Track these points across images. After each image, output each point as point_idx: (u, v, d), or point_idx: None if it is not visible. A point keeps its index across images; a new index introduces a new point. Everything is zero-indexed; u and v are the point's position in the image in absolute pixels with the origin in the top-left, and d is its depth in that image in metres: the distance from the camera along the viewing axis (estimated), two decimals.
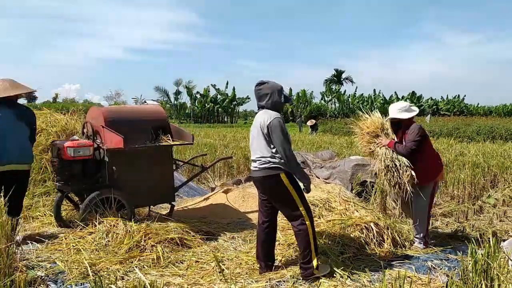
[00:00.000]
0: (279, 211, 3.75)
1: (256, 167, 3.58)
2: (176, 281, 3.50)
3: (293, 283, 3.41)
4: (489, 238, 3.02)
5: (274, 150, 3.51)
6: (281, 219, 5.14)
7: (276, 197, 3.61)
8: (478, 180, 6.89)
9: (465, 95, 58.74)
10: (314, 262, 3.47)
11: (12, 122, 4.37)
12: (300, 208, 3.54)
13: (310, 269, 3.46)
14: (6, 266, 3.13)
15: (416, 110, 4.51)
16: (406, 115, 4.40)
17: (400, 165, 4.22)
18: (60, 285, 3.36)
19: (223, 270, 3.69)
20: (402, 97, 55.84)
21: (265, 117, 3.55)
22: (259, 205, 3.82)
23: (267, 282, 3.42)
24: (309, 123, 25.86)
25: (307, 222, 3.53)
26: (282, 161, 3.49)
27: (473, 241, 3.75)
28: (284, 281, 3.44)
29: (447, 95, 57.91)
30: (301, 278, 3.49)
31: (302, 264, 3.52)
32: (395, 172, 4.21)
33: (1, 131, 4.30)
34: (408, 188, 4.17)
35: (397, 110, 4.43)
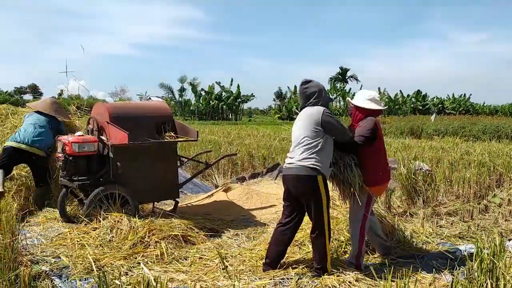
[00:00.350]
0: (302, 223, 3.70)
1: (293, 163, 3.47)
2: (179, 277, 3.50)
3: (297, 280, 3.40)
4: (495, 238, 3.00)
5: (317, 149, 3.39)
6: None
7: (307, 198, 3.48)
8: (483, 179, 6.84)
9: (471, 94, 58.68)
10: (329, 269, 3.48)
11: (38, 124, 5.70)
12: (324, 217, 3.48)
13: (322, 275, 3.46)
14: (11, 261, 3.14)
15: (378, 107, 3.76)
16: (363, 104, 3.72)
17: (347, 164, 3.64)
18: (65, 280, 3.37)
19: (227, 266, 3.68)
20: (408, 96, 55.69)
21: (313, 112, 3.46)
22: (283, 206, 3.71)
23: (270, 279, 3.41)
24: None
25: (326, 233, 3.49)
26: (321, 165, 3.40)
27: (479, 240, 3.73)
28: (288, 279, 3.43)
29: (453, 94, 57.63)
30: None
31: (316, 269, 3.51)
32: (343, 172, 3.64)
33: (31, 125, 5.67)
34: (356, 190, 3.61)
35: (361, 98, 3.77)
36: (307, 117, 3.49)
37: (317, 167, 3.39)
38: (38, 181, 5.64)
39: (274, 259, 3.64)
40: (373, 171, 3.65)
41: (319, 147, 3.41)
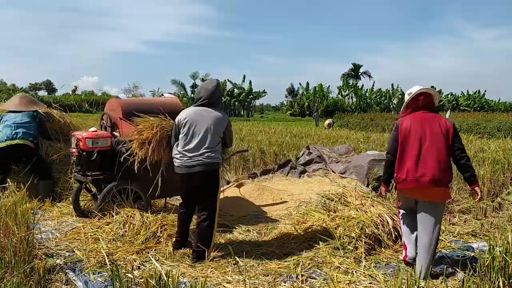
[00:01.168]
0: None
1: (204, 160, 3.75)
2: (191, 272, 3.53)
3: (306, 277, 3.41)
4: (508, 235, 2.98)
5: (217, 143, 3.84)
6: (296, 213, 5.14)
7: (208, 187, 3.84)
8: (497, 176, 6.76)
9: (485, 91, 57.80)
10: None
11: (14, 121, 5.85)
12: (216, 202, 3.89)
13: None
14: (26, 254, 3.21)
15: (409, 94, 3.69)
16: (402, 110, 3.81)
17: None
18: (78, 273, 3.42)
19: (238, 262, 3.71)
20: None
21: (218, 114, 3.86)
22: (187, 198, 4.03)
23: (280, 275, 3.43)
24: (326, 124, 25.63)
25: (215, 217, 3.87)
26: (220, 155, 3.91)
27: (491, 238, 3.69)
28: (297, 275, 3.44)
29: (467, 90, 56.87)
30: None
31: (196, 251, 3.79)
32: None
33: (7, 126, 5.81)
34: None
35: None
36: (218, 117, 3.86)
37: (217, 159, 3.85)
38: (39, 175, 5.77)
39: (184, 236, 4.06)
40: (400, 166, 3.55)
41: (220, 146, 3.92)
